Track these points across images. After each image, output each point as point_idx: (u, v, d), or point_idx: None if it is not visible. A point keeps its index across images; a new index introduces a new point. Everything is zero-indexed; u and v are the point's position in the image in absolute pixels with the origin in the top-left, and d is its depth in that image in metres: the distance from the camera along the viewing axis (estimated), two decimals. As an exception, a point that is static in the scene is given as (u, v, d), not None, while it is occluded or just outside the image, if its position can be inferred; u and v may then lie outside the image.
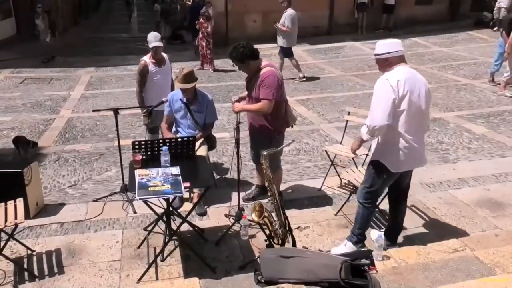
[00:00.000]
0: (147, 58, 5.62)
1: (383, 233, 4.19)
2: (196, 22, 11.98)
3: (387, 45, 3.74)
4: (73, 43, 16.80)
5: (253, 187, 5.35)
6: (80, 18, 23.20)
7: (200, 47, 12.27)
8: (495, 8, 16.04)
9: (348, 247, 4.07)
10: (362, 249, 4.05)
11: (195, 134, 4.97)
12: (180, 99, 5.07)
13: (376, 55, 3.80)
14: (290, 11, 10.09)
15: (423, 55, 13.35)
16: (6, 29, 16.26)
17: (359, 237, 4.06)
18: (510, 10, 15.66)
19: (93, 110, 5.94)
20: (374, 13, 16.75)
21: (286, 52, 10.58)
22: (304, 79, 10.89)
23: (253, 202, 4.64)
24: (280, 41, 10.46)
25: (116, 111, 5.23)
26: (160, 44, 5.53)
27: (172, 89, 5.74)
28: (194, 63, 12.28)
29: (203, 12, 12.00)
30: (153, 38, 5.50)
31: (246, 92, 4.93)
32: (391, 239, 4.15)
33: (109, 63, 13.24)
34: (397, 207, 4.16)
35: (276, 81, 4.51)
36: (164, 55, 5.75)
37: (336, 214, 4.87)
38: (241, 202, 4.87)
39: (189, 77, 4.90)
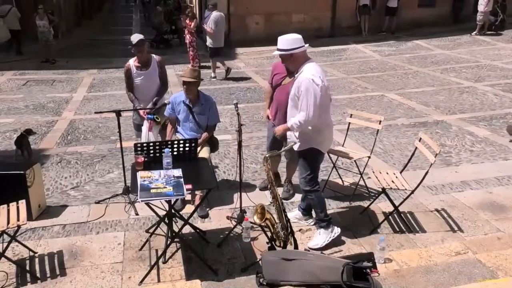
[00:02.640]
0: (131, 61, 5.62)
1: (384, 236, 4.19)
2: (181, 17, 12.35)
3: (298, 40, 3.97)
4: (76, 45, 16.83)
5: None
6: (83, 19, 23.26)
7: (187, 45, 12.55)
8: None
9: (322, 233, 4.31)
10: (364, 252, 4.06)
11: (197, 136, 4.98)
12: (183, 101, 5.08)
13: (288, 50, 3.95)
14: (214, 14, 10.95)
15: (426, 58, 13.35)
16: (10, 31, 16.29)
17: (325, 219, 4.34)
18: (487, 14, 15.83)
19: (96, 112, 5.95)
20: (376, 15, 16.76)
21: (213, 52, 11.33)
22: (215, 78, 11.49)
23: (254, 205, 4.63)
24: (208, 42, 11.28)
25: (118, 113, 5.24)
26: (139, 42, 5.42)
27: (161, 92, 5.68)
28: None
29: (187, 12, 12.43)
30: (135, 38, 5.46)
31: (267, 101, 5.18)
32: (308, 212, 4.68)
33: (111, 65, 13.26)
34: None
35: None
36: (155, 57, 5.65)
37: (361, 213, 4.93)
38: (243, 204, 4.87)
39: (194, 72, 5.00)
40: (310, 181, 4.28)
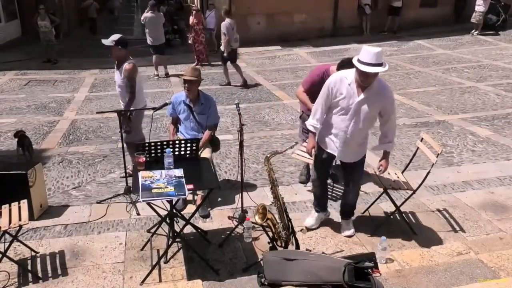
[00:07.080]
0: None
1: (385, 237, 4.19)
2: (191, 17, 12.61)
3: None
4: (78, 45, 16.85)
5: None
6: (85, 19, 23.24)
7: (195, 44, 12.71)
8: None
9: (314, 217, 4.70)
10: (366, 252, 4.05)
11: (199, 136, 4.99)
12: (183, 101, 5.09)
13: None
14: (147, 14, 11.59)
15: (427, 58, 13.32)
16: (11, 31, 16.35)
17: (316, 209, 4.70)
18: (484, 14, 15.79)
19: (97, 112, 5.95)
20: (379, 15, 16.73)
21: (154, 50, 11.82)
22: (157, 77, 11.84)
23: (256, 205, 4.64)
24: (148, 40, 11.81)
25: (119, 113, 5.26)
26: (110, 44, 5.49)
27: (129, 100, 5.57)
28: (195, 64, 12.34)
29: (195, 9, 12.67)
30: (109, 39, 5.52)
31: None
32: (342, 215, 4.66)
33: (113, 64, 13.07)
34: (345, 189, 4.61)
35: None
36: (125, 65, 5.55)
37: (363, 213, 4.92)
38: (245, 204, 4.87)
39: (194, 71, 5.01)
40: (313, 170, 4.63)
